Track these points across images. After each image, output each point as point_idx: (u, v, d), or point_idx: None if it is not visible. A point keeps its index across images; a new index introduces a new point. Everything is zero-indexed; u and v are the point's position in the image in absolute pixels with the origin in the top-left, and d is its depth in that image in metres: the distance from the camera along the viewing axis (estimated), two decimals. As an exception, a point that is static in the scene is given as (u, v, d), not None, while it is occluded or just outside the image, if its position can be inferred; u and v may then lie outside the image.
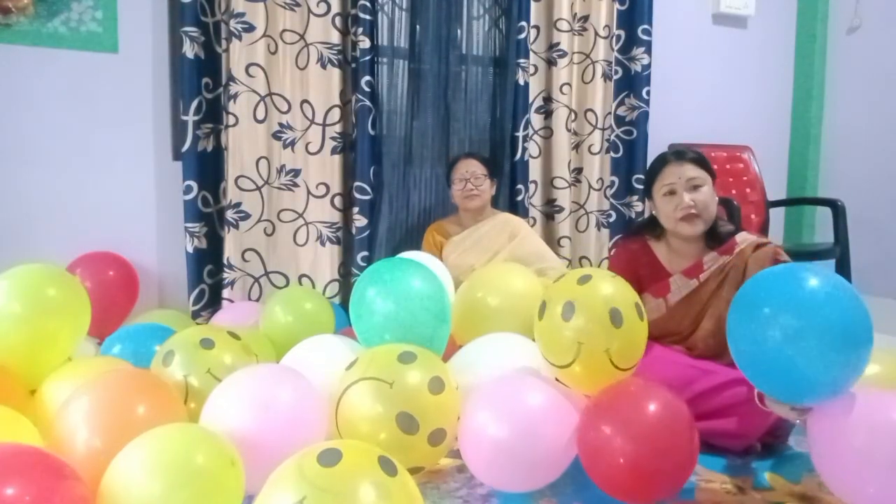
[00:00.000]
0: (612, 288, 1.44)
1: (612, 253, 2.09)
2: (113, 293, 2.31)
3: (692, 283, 1.78)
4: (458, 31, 2.84)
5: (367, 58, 2.54)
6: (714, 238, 1.80)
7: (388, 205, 2.74)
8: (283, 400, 1.35)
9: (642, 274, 1.86)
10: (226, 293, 2.47)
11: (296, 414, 1.36)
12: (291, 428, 1.31)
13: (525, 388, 1.43)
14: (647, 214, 3.12)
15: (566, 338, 1.40)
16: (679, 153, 1.81)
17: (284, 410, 1.33)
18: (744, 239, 1.78)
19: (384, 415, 1.39)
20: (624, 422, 1.31)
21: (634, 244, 1.92)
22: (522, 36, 2.79)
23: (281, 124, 2.53)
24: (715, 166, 1.89)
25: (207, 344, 1.59)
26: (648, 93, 3.03)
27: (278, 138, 2.54)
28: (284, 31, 2.49)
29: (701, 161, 1.79)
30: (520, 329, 1.89)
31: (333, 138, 2.58)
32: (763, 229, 3.24)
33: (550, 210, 2.99)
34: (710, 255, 1.78)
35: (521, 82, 2.82)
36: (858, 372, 1.22)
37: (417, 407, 1.41)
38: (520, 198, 2.86)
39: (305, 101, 2.54)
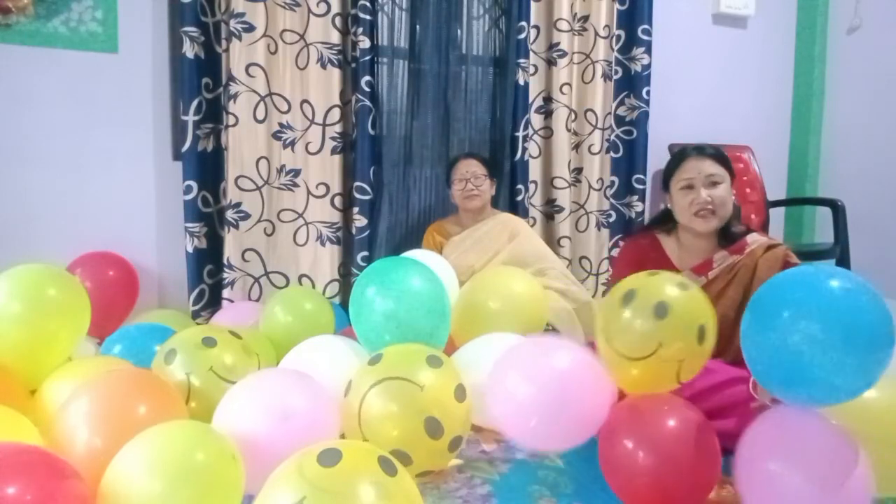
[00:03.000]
0: (706, 305, 1.43)
1: (621, 247, 2.10)
2: (113, 293, 2.31)
3: (700, 280, 1.79)
4: (458, 31, 2.84)
5: (367, 58, 2.54)
6: (726, 237, 1.80)
7: (388, 205, 2.74)
8: (300, 407, 1.35)
9: (650, 269, 1.87)
10: (226, 293, 2.47)
11: (312, 421, 1.35)
12: (307, 435, 1.30)
13: (556, 349, 1.45)
14: (647, 214, 3.13)
15: (648, 333, 1.38)
16: (700, 148, 1.81)
17: (302, 418, 1.33)
18: (755, 240, 1.79)
19: (413, 417, 1.39)
20: (648, 440, 1.30)
21: (644, 239, 1.93)
22: (522, 36, 2.79)
23: (281, 124, 2.53)
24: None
25: (209, 342, 1.59)
26: (648, 93, 3.03)
27: (278, 138, 2.53)
28: (284, 31, 2.49)
29: (721, 158, 1.79)
30: (520, 332, 1.89)
31: (333, 138, 2.58)
32: (763, 229, 3.24)
33: (550, 210, 2.99)
34: (720, 253, 1.79)
35: (521, 82, 2.82)
36: (873, 376, 1.19)
37: (445, 413, 1.42)
38: (520, 198, 2.86)
39: (305, 101, 2.54)
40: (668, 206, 1.87)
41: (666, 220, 1.90)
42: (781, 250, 1.74)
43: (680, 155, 1.84)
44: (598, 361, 1.44)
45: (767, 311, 1.24)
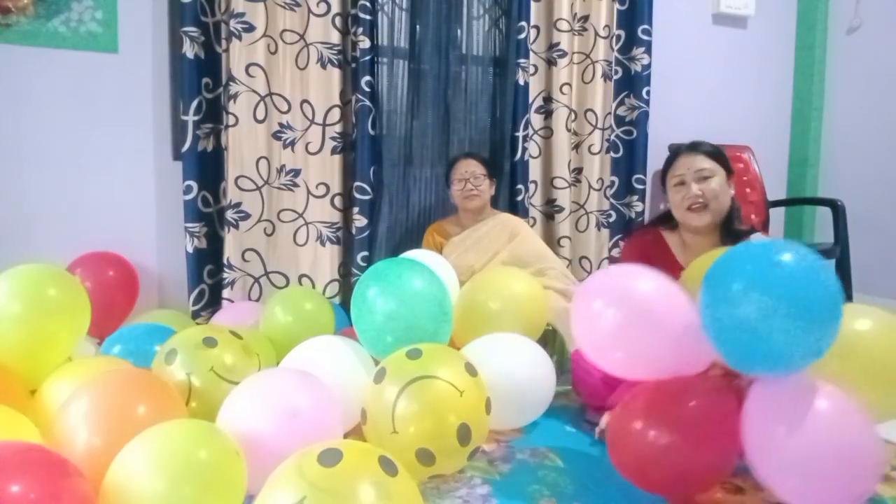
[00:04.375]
0: None
1: (625, 243, 2.09)
2: (113, 293, 2.30)
3: None
4: (458, 31, 2.84)
5: (367, 58, 2.54)
6: (729, 234, 1.81)
7: (388, 205, 2.74)
8: (306, 407, 1.35)
9: (654, 264, 1.88)
10: (226, 293, 2.47)
11: (317, 420, 1.36)
12: (312, 434, 1.31)
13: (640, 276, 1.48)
14: (647, 214, 3.13)
15: None
16: (693, 145, 1.84)
17: (308, 418, 1.33)
18: (758, 238, 1.80)
19: (449, 421, 1.41)
20: (664, 418, 1.33)
21: (648, 235, 1.94)
22: (522, 36, 2.79)
23: (281, 124, 2.53)
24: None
25: (210, 343, 1.59)
26: (648, 93, 3.03)
27: (278, 138, 2.53)
28: (284, 31, 2.49)
29: (715, 153, 1.81)
30: (520, 332, 1.90)
31: (333, 138, 2.57)
32: (763, 229, 3.24)
33: (550, 210, 2.99)
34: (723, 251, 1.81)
35: (521, 82, 2.82)
36: (817, 349, 1.21)
37: (475, 422, 1.45)
38: (520, 198, 2.86)
39: (305, 101, 2.54)
40: (668, 205, 1.89)
41: (670, 218, 1.91)
42: None
43: (674, 153, 1.88)
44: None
45: (721, 285, 1.26)
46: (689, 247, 1.86)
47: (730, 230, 1.81)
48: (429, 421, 1.40)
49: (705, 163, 1.79)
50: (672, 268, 1.83)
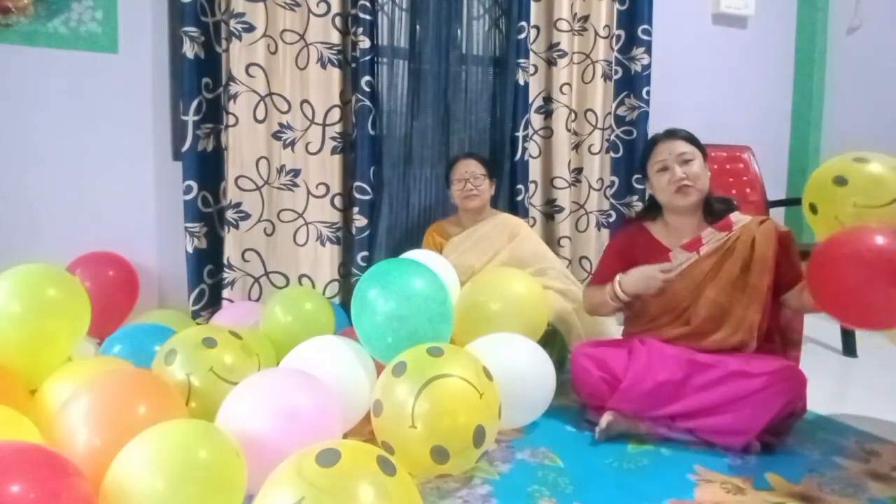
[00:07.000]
0: None
1: (610, 238, 2.18)
2: (113, 293, 2.31)
3: (692, 256, 1.85)
4: (458, 31, 2.84)
5: (367, 58, 2.54)
6: (711, 213, 1.88)
7: (388, 205, 2.74)
8: (306, 406, 1.35)
9: (638, 254, 1.92)
10: (226, 293, 2.47)
11: (317, 420, 1.36)
12: (312, 434, 1.31)
13: None
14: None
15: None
16: (671, 131, 1.91)
17: (308, 418, 1.33)
18: (739, 218, 1.87)
19: (467, 421, 1.42)
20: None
21: (631, 227, 2.01)
22: (522, 36, 2.79)
23: (281, 124, 2.53)
24: (715, 166, 1.94)
25: (209, 343, 1.59)
26: (648, 93, 3.03)
27: (278, 138, 2.53)
28: (284, 31, 2.49)
29: (690, 138, 1.89)
30: (520, 332, 1.90)
31: (333, 138, 2.58)
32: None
33: (550, 210, 2.99)
34: (708, 230, 1.86)
35: (521, 82, 2.82)
36: None
37: (490, 425, 1.47)
38: (520, 198, 2.86)
39: (305, 101, 2.54)
40: (650, 192, 1.95)
41: (651, 210, 1.98)
42: (772, 223, 1.83)
43: (652, 141, 1.94)
44: None
45: None
46: (674, 230, 1.92)
47: (711, 210, 1.89)
48: (449, 419, 1.40)
49: (685, 147, 1.86)
50: (657, 251, 1.91)
